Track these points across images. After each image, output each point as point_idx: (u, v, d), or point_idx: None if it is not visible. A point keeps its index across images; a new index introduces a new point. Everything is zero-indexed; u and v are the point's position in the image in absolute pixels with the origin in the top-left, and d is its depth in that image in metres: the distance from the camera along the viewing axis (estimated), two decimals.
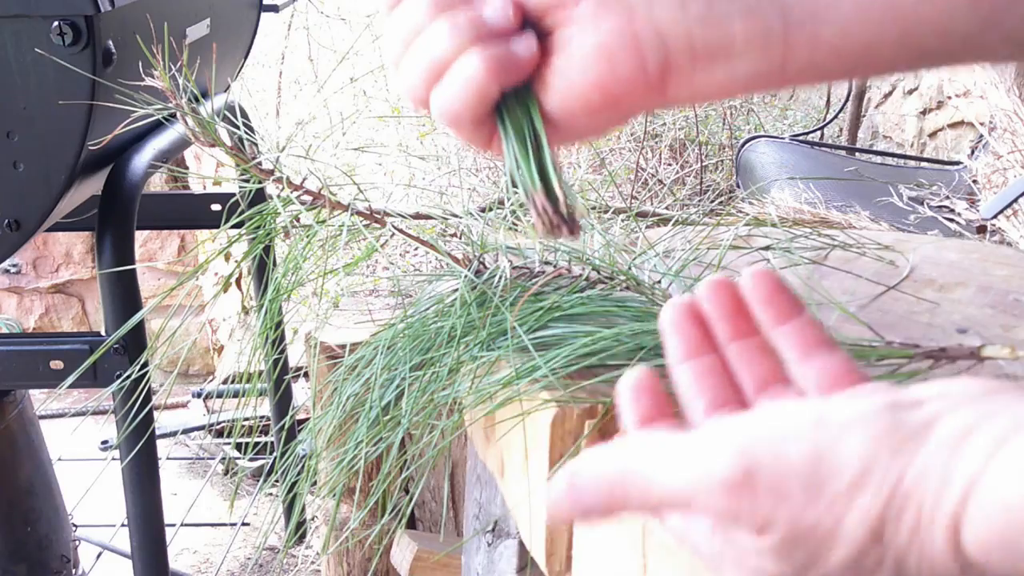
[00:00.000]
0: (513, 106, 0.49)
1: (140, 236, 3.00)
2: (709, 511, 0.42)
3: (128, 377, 1.35)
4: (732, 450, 0.41)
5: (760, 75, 0.47)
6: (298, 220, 0.85)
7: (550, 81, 0.48)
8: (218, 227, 0.97)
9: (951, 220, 2.15)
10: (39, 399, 2.84)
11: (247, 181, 0.88)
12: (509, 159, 0.49)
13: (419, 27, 0.48)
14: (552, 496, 0.45)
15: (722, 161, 3.68)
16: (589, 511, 0.44)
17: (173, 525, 2.18)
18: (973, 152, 2.52)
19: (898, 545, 0.39)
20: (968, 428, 0.39)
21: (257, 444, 2.63)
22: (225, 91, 1.73)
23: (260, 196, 0.92)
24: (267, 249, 0.93)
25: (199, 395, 2.87)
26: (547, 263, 0.81)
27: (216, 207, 1.86)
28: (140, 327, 1.36)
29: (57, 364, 1.41)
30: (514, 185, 0.49)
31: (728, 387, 0.48)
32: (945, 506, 0.38)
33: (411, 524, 1.62)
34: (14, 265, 3.07)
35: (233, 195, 0.94)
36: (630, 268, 0.80)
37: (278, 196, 0.85)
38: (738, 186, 2.72)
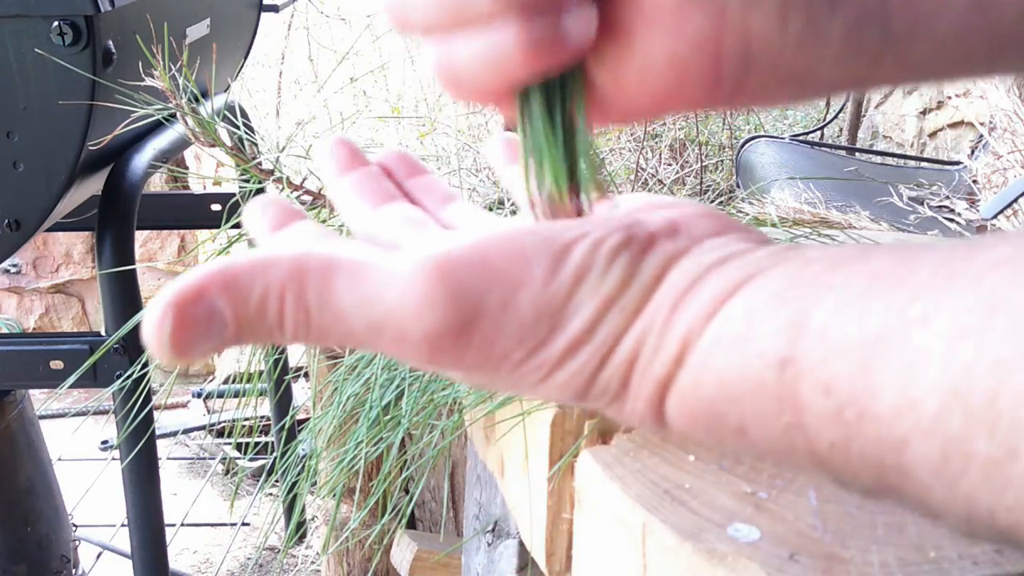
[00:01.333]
0: (551, 86, 0.37)
1: (140, 236, 3.00)
2: (395, 355, 0.36)
3: (128, 377, 1.35)
4: (446, 294, 0.34)
5: (831, 88, 0.42)
6: None
7: (605, 62, 0.38)
8: (218, 227, 0.97)
9: (951, 220, 2.15)
10: (39, 399, 2.84)
11: (247, 181, 0.88)
12: (528, 143, 0.38)
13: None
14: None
15: (722, 161, 3.68)
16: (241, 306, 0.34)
17: (173, 525, 2.18)
18: (973, 152, 2.52)
19: (599, 404, 0.36)
20: (692, 280, 0.35)
21: (257, 444, 2.63)
22: (225, 91, 1.73)
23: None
24: None
25: (199, 395, 2.87)
26: None
27: (216, 207, 1.86)
28: (140, 327, 1.36)
29: (57, 364, 1.41)
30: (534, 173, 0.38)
31: (394, 194, 0.44)
32: (655, 370, 0.35)
33: (411, 524, 1.62)
34: (14, 265, 3.07)
35: (233, 195, 0.94)
36: None
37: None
38: (738, 186, 2.72)
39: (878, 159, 2.90)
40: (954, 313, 0.29)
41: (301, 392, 2.73)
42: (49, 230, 1.62)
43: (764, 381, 0.32)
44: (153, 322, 0.34)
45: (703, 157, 3.58)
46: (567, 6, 0.35)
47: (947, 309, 0.29)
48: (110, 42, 1.25)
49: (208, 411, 2.80)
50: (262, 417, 2.37)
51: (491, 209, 0.87)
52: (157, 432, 1.77)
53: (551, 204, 0.38)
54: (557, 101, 0.38)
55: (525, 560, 0.86)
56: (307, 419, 1.18)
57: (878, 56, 0.40)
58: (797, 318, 0.32)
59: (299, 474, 0.89)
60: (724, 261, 0.36)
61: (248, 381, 2.80)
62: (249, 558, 2.32)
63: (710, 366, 0.34)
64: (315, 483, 0.89)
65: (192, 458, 2.75)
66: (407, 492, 0.82)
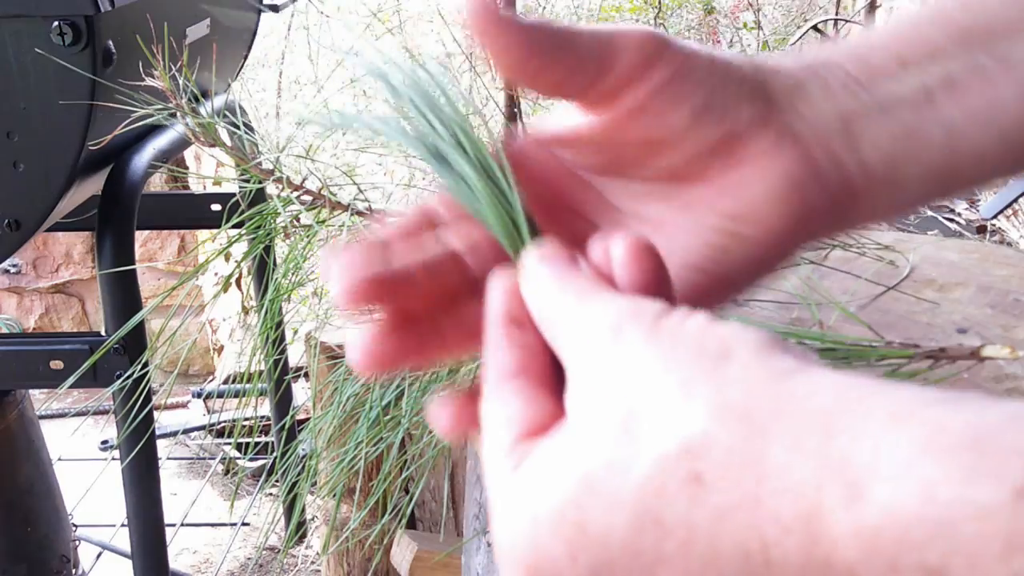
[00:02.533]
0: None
1: (140, 236, 3.00)
2: None
3: (128, 377, 1.35)
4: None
5: (936, 184, 0.44)
6: (298, 220, 0.85)
7: (730, 228, 0.42)
8: (218, 227, 0.97)
9: (951, 220, 2.15)
10: (39, 399, 2.84)
11: (247, 181, 0.88)
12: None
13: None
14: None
15: None
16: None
17: (173, 525, 2.18)
18: None
19: (720, 499, 0.29)
20: (861, 389, 0.29)
21: (257, 444, 2.63)
22: (225, 91, 1.73)
23: (260, 196, 0.92)
24: (267, 249, 0.93)
25: (199, 395, 2.87)
26: None
27: (216, 207, 1.86)
28: (140, 327, 1.36)
29: (57, 364, 1.41)
30: None
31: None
32: (812, 465, 0.27)
33: (411, 524, 1.62)
34: (14, 265, 3.07)
35: (233, 195, 0.94)
36: None
37: (278, 196, 0.85)
38: None
39: None
40: None
41: (301, 392, 2.73)
42: (49, 230, 1.62)
43: (993, 510, 0.24)
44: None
45: None
46: None
47: None
48: (110, 42, 1.25)
49: (208, 411, 2.80)
50: (262, 417, 2.37)
51: None
52: (157, 432, 1.77)
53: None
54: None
55: None
56: (307, 419, 1.18)
57: (943, 167, 0.43)
58: None
59: (299, 474, 0.89)
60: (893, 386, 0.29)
61: (248, 381, 2.80)
62: (249, 558, 2.32)
63: (915, 475, 0.26)
64: (315, 483, 0.89)
65: (192, 458, 2.75)
66: (407, 492, 0.82)
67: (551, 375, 0.36)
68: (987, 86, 0.43)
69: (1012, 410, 0.26)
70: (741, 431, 0.29)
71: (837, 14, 3.42)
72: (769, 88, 0.42)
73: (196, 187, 2.79)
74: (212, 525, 2.42)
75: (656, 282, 0.36)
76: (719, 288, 0.42)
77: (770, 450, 0.28)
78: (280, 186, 0.84)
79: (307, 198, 0.84)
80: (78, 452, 2.61)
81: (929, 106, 0.42)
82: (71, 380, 1.34)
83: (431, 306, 0.41)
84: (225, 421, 2.71)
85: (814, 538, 0.27)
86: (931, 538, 0.26)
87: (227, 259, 2.88)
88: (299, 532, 2.16)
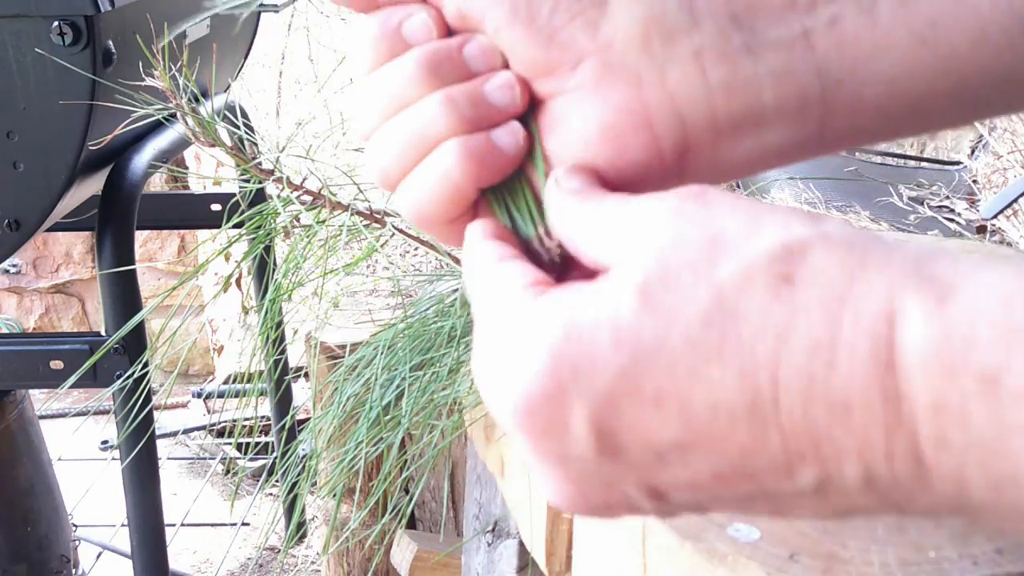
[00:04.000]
0: (508, 197, 0.41)
1: (140, 236, 3.00)
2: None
3: (128, 377, 1.35)
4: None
5: (794, 145, 0.40)
6: (298, 220, 0.85)
7: (559, 150, 0.40)
8: (218, 227, 0.97)
9: (951, 220, 2.15)
10: (40, 399, 2.84)
11: (247, 181, 0.88)
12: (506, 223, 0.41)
13: (405, 98, 0.40)
14: None
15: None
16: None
17: (173, 525, 2.18)
18: (973, 152, 2.52)
19: (800, 301, 0.31)
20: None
21: (257, 444, 2.63)
22: (225, 91, 1.73)
23: (260, 196, 0.92)
24: (267, 249, 0.93)
25: (199, 395, 2.87)
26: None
27: (216, 207, 1.86)
28: (140, 327, 1.36)
29: (57, 364, 1.41)
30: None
31: None
32: (895, 269, 0.30)
33: (411, 524, 1.62)
34: (14, 265, 3.07)
35: (233, 195, 0.94)
36: None
37: (278, 196, 0.85)
38: (738, 186, 2.72)
39: (878, 159, 2.90)
40: None
41: (301, 392, 2.72)
42: (49, 230, 1.62)
43: None
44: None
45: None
46: (488, 116, 0.39)
47: None
48: (110, 42, 1.25)
49: (208, 411, 2.80)
50: (262, 417, 2.37)
51: None
52: (157, 432, 1.77)
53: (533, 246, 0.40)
54: (512, 194, 0.41)
55: (525, 560, 0.86)
56: (307, 419, 1.18)
57: (827, 102, 0.39)
58: None
59: (299, 474, 0.89)
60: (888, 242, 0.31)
61: (248, 381, 2.80)
62: (249, 558, 2.32)
63: (994, 277, 0.29)
64: (315, 483, 0.89)
65: (192, 458, 2.75)
66: (407, 492, 0.82)
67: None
68: (875, 28, 0.39)
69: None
70: (840, 250, 0.31)
71: None
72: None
73: (196, 187, 2.79)
74: (212, 525, 2.42)
75: None
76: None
77: (866, 266, 0.30)
78: (280, 186, 0.84)
79: (307, 198, 0.84)
80: (78, 452, 2.61)
81: (804, 47, 0.39)
82: (71, 380, 1.34)
83: None
84: (225, 421, 2.71)
85: (888, 341, 0.29)
86: (995, 341, 0.28)
87: (227, 259, 2.88)
88: (299, 532, 2.16)
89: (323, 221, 0.84)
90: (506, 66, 0.41)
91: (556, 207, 0.38)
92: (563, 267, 0.39)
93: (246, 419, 2.29)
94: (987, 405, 0.28)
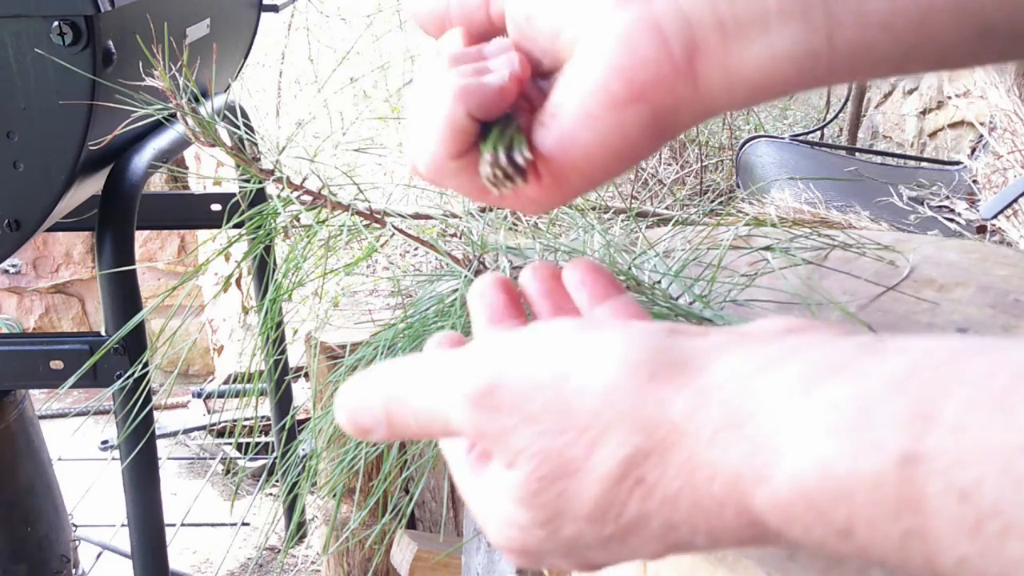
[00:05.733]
0: (498, 136, 0.44)
1: (140, 236, 3.00)
2: (460, 430, 0.38)
3: (128, 377, 1.35)
4: (482, 364, 0.38)
5: (806, 55, 0.40)
6: (298, 220, 0.85)
7: (566, 81, 0.42)
8: (218, 227, 0.97)
9: (951, 220, 2.15)
10: (39, 399, 2.84)
11: (247, 181, 0.88)
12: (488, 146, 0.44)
13: (430, 84, 0.44)
14: (338, 419, 0.44)
15: (722, 161, 3.68)
16: (372, 434, 0.43)
17: (173, 525, 2.18)
18: (973, 152, 2.52)
19: (666, 491, 0.33)
20: (760, 365, 0.33)
21: (257, 444, 2.63)
22: (225, 91, 1.73)
23: (260, 196, 0.92)
24: (267, 249, 0.93)
25: (199, 395, 2.87)
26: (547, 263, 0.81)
27: (216, 207, 1.86)
28: (140, 327, 1.36)
29: (57, 364, 1.41)
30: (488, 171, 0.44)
31: None
32: (729, 450, 0.32)
33: (411, 524, 1.62)
34: (14, 265, 3.07)
35: (233, 195, 0.94)
36: (630, 268, 0.80)
37: (278, 196, 0.85)
38: (738, 186, 2.72)
39: (878, 159, 2.90)
40: None
41: (301, 392, 2.73)
42: (49, 230, 1.62)
43: (882, 478, 0.28)
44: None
45: (703, 157, 3.58)
46: (487, 58, 0.44)
47: None
48: (110, 42, 1.25)
49: (208, 411, 2.80)
50: (262, 417, 2.37)
51: (491, 209, 0.87)
52: (157, 432, 1.77)
53: (488, 157, 0.43)
54: (500, 133, 0.44)
55: None
56: (307, 419, 1.18)
57: (831, 9, 0.40)
58: (923, 409, 0.28)
59: (299, 474, 0.89)
60: (797, 350, 0.33)
61: (248, 381, 2.80)
62: (249, 558, 2.32)
63: (812, 453, 0.30)
64: (315, 483, 0.89)
65: (192, 458, 2.75)
66: (407, 492, 0.82)
67: None
68: None
69: (898, 372, 0.30)
70: (668, 438, 0.34)
71: None
72: None
73: (196, 187, 2.79)
74: (212, 525, 2.42)
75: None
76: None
77: (696, 448, 0.33)
78: (280, 186, 0.84)
79: (307, 198, 0.84)
80: (78, 452, 2.61)
81: None
82: (71, 380, 1.34)
83: None
84: (225, 421, 2.71)
85: (745, 508, 0.32)
86: (834, 506, 0.29)
87: (227, 259, 2.88)
88: (299, 532, 2.16)
89: (323, 221, 0.84)
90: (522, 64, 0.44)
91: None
92: (515, 175, 0.43)
93: (246, 419, 2.29)
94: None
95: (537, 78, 0.45)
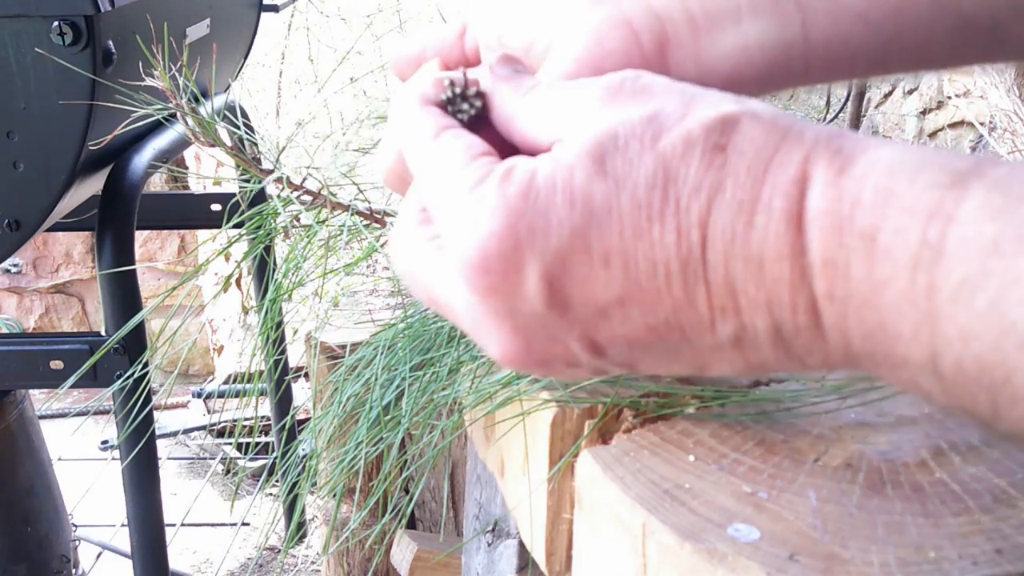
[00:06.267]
0: None
1: (140, 236, 3.00)
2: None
3: (128, 377, 1.35)
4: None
5: (778, 45, 0.40)
6: (298, 220, 0.85)
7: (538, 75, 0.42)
8: (218, 227, 0.97)
9: None
10: (39, 399, 2.84)
11: (247, 181, 0.88)
12: None
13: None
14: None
15: None
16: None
17: (173, 525, 2.18)
18: (973, 152, 2.52)
19: (715, 190, 0.34)
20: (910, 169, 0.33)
21: (257, 444, 2.63)
22: (225, 91, 1.73)
23: (260, 196, 0.92)
24: (267, 249, 0.93)
25: (199, 395, 2.87)
26: None
27: (216, 207, 1.86)
28: (140, 327, 1.36)
29: (57, 364, 1.41)
30: None
31: None
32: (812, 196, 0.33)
33: (411, 524, 1.62)
34: (14, 265, 3.07)
35: (233, 195, 0.94)
36: None
37: (278, 196, 0.85)
38: None
39: None
40: None
41: (301, 392, 2.73)
42: (49, 230, 1.62)
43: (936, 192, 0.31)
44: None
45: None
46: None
47: None
48: (110, 42, 1.25)
49: (208, 411, 2.80)
50: (262, 417, 2.37)
51: None
52: (157, 432, 1.77)
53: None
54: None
55: (525, 560, 0.86)
56: (307, 419, 1.18)
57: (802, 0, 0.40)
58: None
59: (299, 474, 0.89)
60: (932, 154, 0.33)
61: (248, 381, 2.80)
62: (249, 558, 2.32)
63: (883, 160, 0.32)
64: (315, 483, 0.89)
65: (192, 458, 2.75)
66: (407, 492, 0.82)
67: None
68: None
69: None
70: (765, 124, 0.34)
71: None
72: None
73: (196, 187, 2.79)
74: (212, 525, 2.42)
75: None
76: None
77: (786, 138, 0.34)
78: (280, 186, 0.84)
79: (307, 198, 0.84)
80: (78, 452, 2.61)
81: None
82: (71, 380, 1.34)
83: None
84: (225, 421, 2.71)
85: (800, 195, 0.33)
86: (875, 205, 0.31)
87: (227, 259, 2.89)
88: (299, 532, 2.16)
89: (323, 221, 0.84)
90: None
91: (494, 93, 0.40)
92: (480, 123, 0.41)
93: (246, 419, 2.29)
94: (864, 261, 0.31)
95: None
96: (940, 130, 3.36)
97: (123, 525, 1.93)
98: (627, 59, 0.40)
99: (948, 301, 0.30)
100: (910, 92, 3.62)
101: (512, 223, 0.35)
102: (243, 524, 2.39)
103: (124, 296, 1.41)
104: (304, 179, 0.84)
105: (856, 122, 3.41)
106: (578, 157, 0.35)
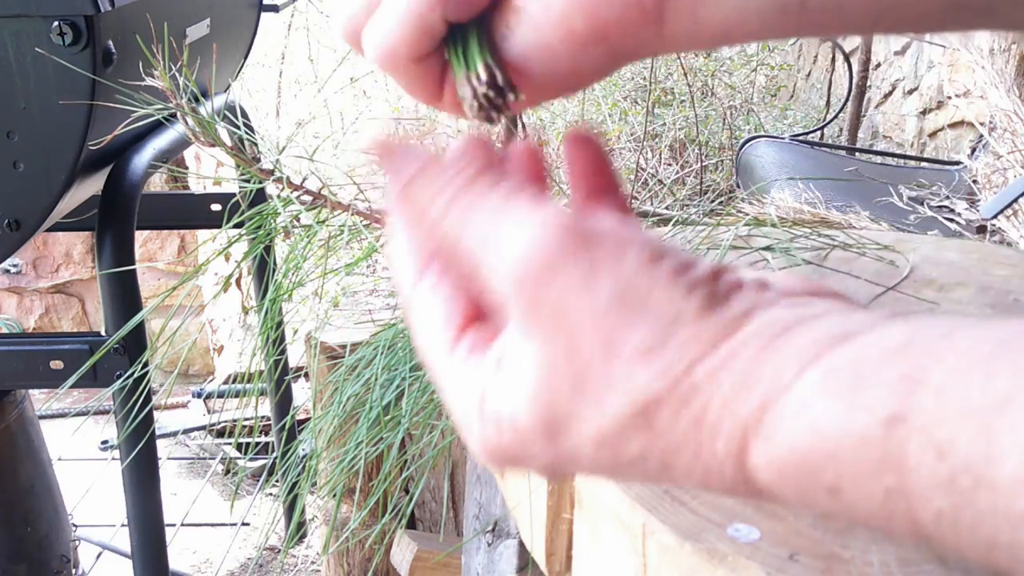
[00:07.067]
0: (466, 43, 0.40)
1: (140, 236, 3.00)
2: (512, 277, 0.35)
3: (128, 377, 1.35)
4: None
5: (777, 9, 0.39)
6: (298, 220, 0.85)
7: (521, 3, 0.39)
8: (218, 227, 0.97)
9: (951, 220, 2.15)
10: (39, 399, 2.84)
11: (247, 181, 0.88)
12: (457, 62, 0.40)
13: None
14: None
15: (722, 161, 3.68)
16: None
17: (173, 525, 2.18)
18: (973, 152, 2.52)
19: (670, 440, 0.34)
20: (784, 327, 0.33)
21: (257, 444, 2.63)
22: (225, 91, 1.73)
23: (260, 196, 0.92)
24: (267, 249, 0.93)
25: (199, 395, 2.87)
26: None
27: (216, 207, 1.86)
28: (140, 327, 1.36)
29: (57, 364, 1.41)
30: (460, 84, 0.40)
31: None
32: (738, 411, 0.32)
33: (411, 524, 1.62)
34: (14, 265, 3.07)
35: (233, 195, 0.94)
36: None
37: (278, 196, 0.85)
38: (738, 186, 2.72)
39: (878, 159, 2.90)
40: None
41: (301, 392, 2.73)
42: (49, 230, 1.62)
43: (868, 437, 0.30)
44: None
45: (703, 157, 3.58)
46: None
47: None
48: (110, 42, 1.25)
49: (208, 411, 2.80)
50: (262, 417, 2.37)
51: None
52: (157, 432, 1.77)
53: (471, 81, 0.40)
54: (473, 35, 0.40)
55: (525, 560, 0.86)
56: (307, 419, 1.18)
57: None
58: (913, 373, 0.30)
59: (299, 474, 0.89)
60: (823, 315, 0.33)
61: (248, 381, 2.80)
62: (249, 558, 2.32)
63: (808, 415, 0.31)
64: (315, 483, 0.89)
65: (192, 458, 2.75)
66: (407, 492, 0.82)
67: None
68: None
69: (897, 341, 0.31)
70: (688, 393, 0.33)
71: None
72: None
73: (196, 187, 2.79)
74: (212, 525, 2.42)
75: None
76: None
77: (709, 406, 0.33)
78: (280, 186, 0.84)
79: (307, 198, 0.84)
80: (78, 452, 2.61)
81: None
82: (71, 380, 1.34)
83: None
84: (225, 421, 2.71)
85: (742, 466, 0.33)
86: (824, 465, 0.31)
87: (227, 259, 2.89)
88: (299, 532, 2.16)
89: (323, 221, 0.84)
90: None
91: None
92: (501, 105, 0.39)
93: (246, 419, 2.29)
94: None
95: None
96: (940, 130, 3.36)
97: (123, 525, 1.93)
98: (625, 11, 0.38)
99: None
100: (910, 92, 3.62)
101: (498, 453, 0.37)
102: (243, 524, 2.39)
103: (124, 296, 1.41)
104: (304, 179, 0.84)
105: (856, 122, 3.41)
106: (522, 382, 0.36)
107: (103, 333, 1.43)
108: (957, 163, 2.57)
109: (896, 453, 0.29)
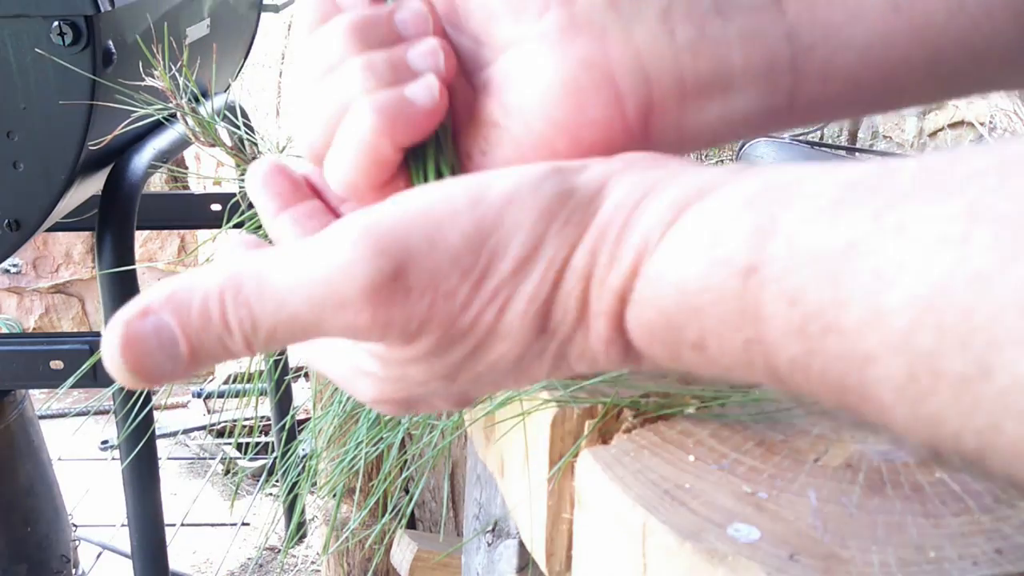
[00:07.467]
0: (428, 161, 0.39)
1: (140, 236, 3.00)
2: (348, 330, 0.33)
3: None
4: (373, 247, 0.32)
5: (763, 112, 0.39)
6: None
7: (501, 122, 0.38)
8: (218, 227, 0.97)
9: None
10: (39, 399, 2.84)
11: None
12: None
13: (332, 64, 0.38)
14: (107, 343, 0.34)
15: (722, 161, 3.68)
16: (173, 363, 0.33)
17: (173, 525, 2.18)
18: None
19: (563, 334, 0.34)
20: (643, 192, 0.33)
21: (257, 444, 2.63)
22: (225, 91, 1.73)
23: None
24: None
25: (199, 395, 2.87)
26: None
27: (216, 207, 1.86)
28: None
29: (57, 364, 1.41)
30: None
31: None
32: (611, 282, 0.33)
33: (411, 524, 1.62)
34: (14, 265, 3.08)
35: (233, 195, 0.94)
36: None
37: None
38: None
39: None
40: (933, 222, 0.26)
41: (301, 392, 2.72)
42: (49, 230, 1.62)
43: (727, 290, 0.30)
44: (107, 343, 0.34)
45: (703, 157, 3.58)
46: (407, 79, 0.37)
47: (925, 217, 0.26)
48: (110, 42, 1.25)
49: (208, 411, 2.80)
50: (262, 417, 2.37)
51: None
52: (157, 432, 1.77)
53: None
54: (431, 154, 0.39)
55: (525, 560, 0.86)
56: (307, 419, 1.18)
57: (797, 67, 0.38)
58: (765, 224, 0.30)
59: (299, 474, 0.89)
60: (677, 175, 0.33)
61: (248, 381, 2.80)
62: (249, 558, 2.32)
63: (670, 274, 0.32)
64: (315, 483, 0.89)
65: (192, 458, 2.75)
66: (407, 492, 0.82)
67: None
68: None
69: (750, 191, 0.31)
70: (567, 285, 0.34)
71: None
72: None
73: (196, 187, 2.79)
74: (212, 525, 2.42)
75: None
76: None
77: (589, 286, 0.34)
78: None
79: None
80: (78, 452, 2.61)
81: (775, 9, 0.38)
82: (71, 380, 1.34)
83: None
84: (225, 421, 2.71)
85: (622, 333, 0.34)
86: (688, 322, 0.32)
87: None
88: (299, 532, 2.16)
89: None
90: (440, 33, 0.39)
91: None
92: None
93: (246, 419, 2.29)
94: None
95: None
96: (940, 130, 3.36)
97: (123, 525, 1.93)
98: (609, 131, 0.37)
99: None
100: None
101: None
102: (243, 524, 2.39)
103: (124, 296, 1.41)
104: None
105: (856, 122, 3.40)
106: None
107: (103, 333, 1.43)
108: None
109: (752, 304, 0.30)
